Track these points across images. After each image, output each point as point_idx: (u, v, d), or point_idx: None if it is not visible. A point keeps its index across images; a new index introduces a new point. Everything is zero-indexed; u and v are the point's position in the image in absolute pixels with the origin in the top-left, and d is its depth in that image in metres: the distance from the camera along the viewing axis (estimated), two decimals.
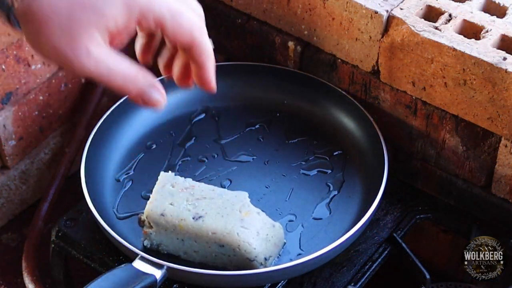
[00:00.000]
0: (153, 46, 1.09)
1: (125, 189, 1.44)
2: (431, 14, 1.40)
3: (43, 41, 0.96)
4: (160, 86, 1.01)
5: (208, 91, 1.08)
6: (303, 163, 1.47)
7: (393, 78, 1.43)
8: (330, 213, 1.40)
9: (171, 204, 1.31)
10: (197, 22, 1.01)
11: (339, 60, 1.50)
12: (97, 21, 0.96)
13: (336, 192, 1.43)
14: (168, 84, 1.56)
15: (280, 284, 1.33)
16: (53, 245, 1.43)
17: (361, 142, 1.48)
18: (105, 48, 0.97)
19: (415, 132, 1.46)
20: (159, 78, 1.56)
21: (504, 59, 1.30)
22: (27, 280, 1.49)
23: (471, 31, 1.37)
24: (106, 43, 0.97)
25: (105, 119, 1.47)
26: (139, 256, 1.27)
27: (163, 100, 1.02)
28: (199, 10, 1.03)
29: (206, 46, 1.03)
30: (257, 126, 1.54)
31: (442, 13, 1.39)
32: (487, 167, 1.41)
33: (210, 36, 1.76)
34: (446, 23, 1.37)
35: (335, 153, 1.49)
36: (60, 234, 1.41)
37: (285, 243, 1.35)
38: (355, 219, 1.37)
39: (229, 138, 1.52)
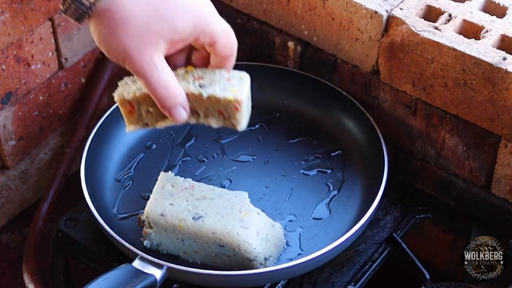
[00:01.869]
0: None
1: (125, 189, 1.44)
2: (431, 14, 1.40)
3: (115, 40, 1.07)
4: (187, 107, 1.16)
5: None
6: (303, 163, 1.47)
7: (393, 78, 1.43)
8: (330, 213, 1.40)
9: (171, 204, 1.31)
10: (235, 40, 1.17)
11: (339, 60, 1.50)
12: (168, 32, 1.09)
13: (336, 192, 1.43)
14: None
15: (280, 284, 1.33)
16: (53, 245, 1.43)
17: (361, 142, 1.48)
18: (163, 58, 1.10)
19: (415, 132, 1.46)
20: None
21: (504, 59, 1.30)
22: (27, 280, 1.49)
23: (471, 31, 1.37)
24: (165, 52, 1.10)
25: (105, 119, 1.47)
26: (139, 256, 1.27)
27: (185, 118, 1.16)
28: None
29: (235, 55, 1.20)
30: (257, 126, 1.54)
31: (442, 13, 1.39)
32: (487, 167, 1.41)
33: None
34: (446, 23, 1.37)
35: (335, 153, 1.49)
36: (60, 234, 1.41)
37: (285, 243, 1.35)
38: (355, 219, 1.37)
39: (229, 138, 1.52)
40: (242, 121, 1.25)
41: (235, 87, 1.22)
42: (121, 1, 1.07)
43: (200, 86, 1.20)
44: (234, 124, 1.24)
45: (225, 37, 1.14)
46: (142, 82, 1.12)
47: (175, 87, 1.13)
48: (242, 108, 1.23)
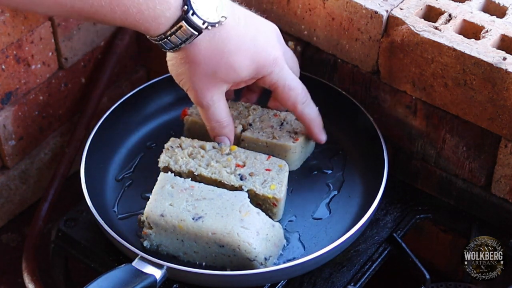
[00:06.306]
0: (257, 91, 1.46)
1: (125, 189, 1.44)
2: (431, 14, 1.40)
3: (187, 75, 1.28)
4: (232, 137, 1.38)
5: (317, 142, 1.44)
6: (303, 163, 1.47)
7: (393, 78, 1.43)
8: (330, 213, 1.40)
9: (170, 205, 1.30)
10: (301, 99, 1.36)
11: (339, 60, 1.50)
12: (232, 78, 1.29)
13: (336, 192, 1.43)
14: (168, 84, 1.56)
15: (280, 284, 1.33)
16: (53, 245, 1.43)
17: (361, 142, 1.48)
18: (223, 96, 1.32)
19: (415, 132, 1.46)
20: (158, 78, 1.56)
21: (504, 59, 1.30)
22: (27, 280, 1.49)
23: (471, 31, 1.37)
24: (227, 89, 1.32)
25: (105, 119, 1.47)
26: (139, 256, 1.27)
27: (228, 144, 1.38)
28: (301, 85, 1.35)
29: (306, 116, 1.38)
30: None
31: (442, 13, 1.39)
32: (487, 167, 1.41)
33: None
34: (446, 23, 1.37)
35: (335, 153, 1.49)
36: (60, 234, 1.41)
37: (285, 243, 1.35)
38: (355, 219, 1.37)
39: None
40: (279, 214, 1.36)
41: (275, 181, 1.35)
42: (197, 46, 1.24)
43: (241, 177, 1.34)
44: (271, 216, 1.33)
45: (285, 91, 1.34)
46: (199, 110, 1.34)
47: (224, 121, 1.35)
48: (280, 204, 1.34)
